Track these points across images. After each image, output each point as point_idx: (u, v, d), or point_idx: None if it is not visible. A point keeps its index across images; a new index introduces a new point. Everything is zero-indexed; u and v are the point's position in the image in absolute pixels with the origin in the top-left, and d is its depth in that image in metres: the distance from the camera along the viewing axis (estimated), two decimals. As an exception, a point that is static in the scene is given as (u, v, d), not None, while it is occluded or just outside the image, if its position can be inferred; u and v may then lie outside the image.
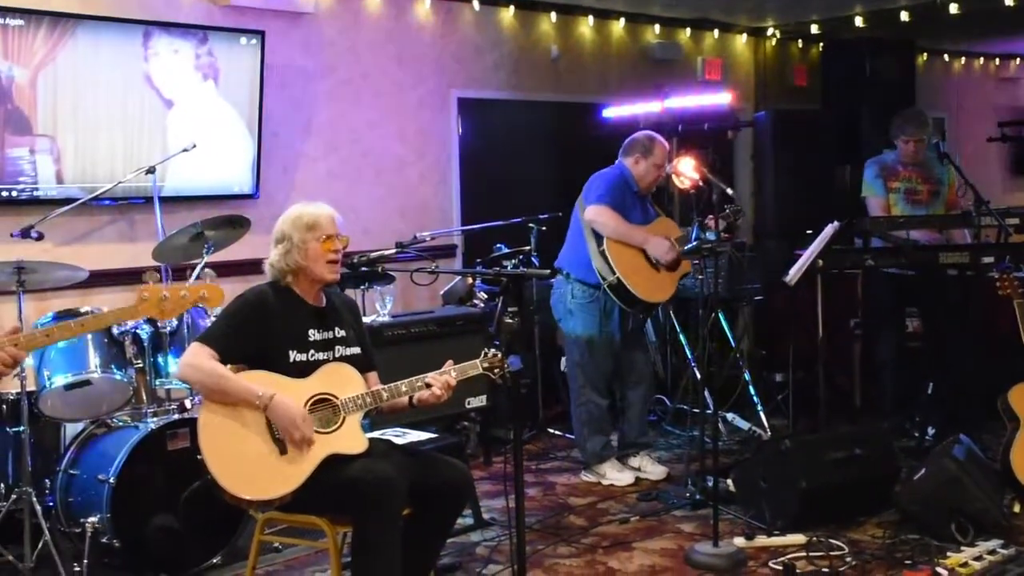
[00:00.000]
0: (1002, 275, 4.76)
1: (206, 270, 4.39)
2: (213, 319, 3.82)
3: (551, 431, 6.08)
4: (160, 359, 4.26)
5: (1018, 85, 11.30)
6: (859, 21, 8.00)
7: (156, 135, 5.32)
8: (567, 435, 5.97)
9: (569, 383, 5.24)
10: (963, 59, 10.56)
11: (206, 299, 2.97)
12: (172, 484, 3.87)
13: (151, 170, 4.88)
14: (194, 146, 5.06)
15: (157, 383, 4.27)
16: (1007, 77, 11.16)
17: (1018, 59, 11.16)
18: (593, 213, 4.91)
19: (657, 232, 5.01)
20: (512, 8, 7.06)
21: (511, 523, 3.22)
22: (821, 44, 9.00)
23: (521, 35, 7.19)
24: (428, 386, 3.26)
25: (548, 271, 3.85)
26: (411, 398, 3.30)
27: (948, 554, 3.87)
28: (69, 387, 4.06)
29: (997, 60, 10.96)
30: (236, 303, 3.25)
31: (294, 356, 3.20)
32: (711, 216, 4.84)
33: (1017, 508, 4.30)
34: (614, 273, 4.85)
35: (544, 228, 6.04)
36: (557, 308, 5.16)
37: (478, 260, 6.04)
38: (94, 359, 4.11)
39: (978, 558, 3.82)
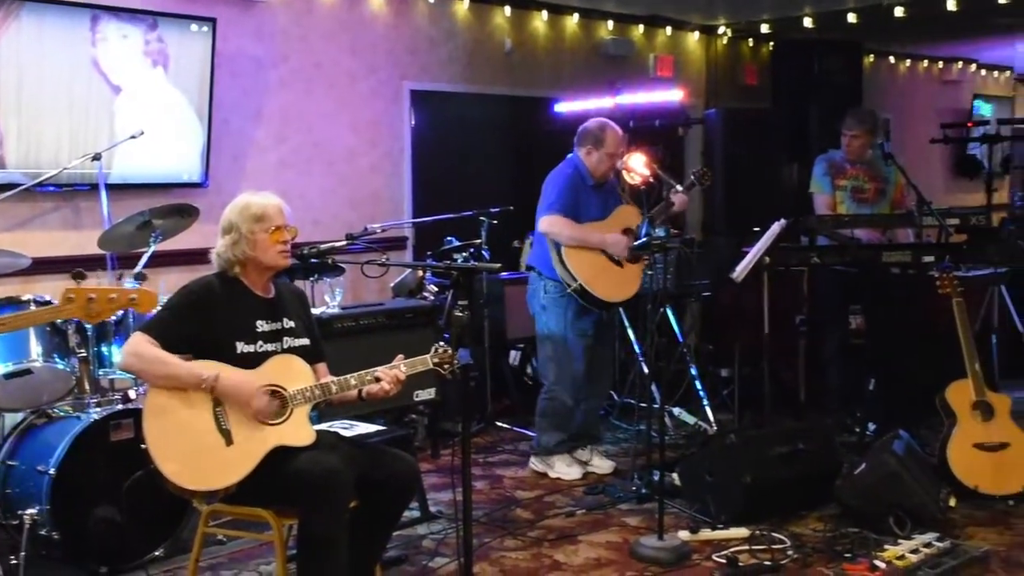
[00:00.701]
0: (942, 274, 4.87)
1: (142, 271, 4.31)
2: (159, 309, 3.77)
3: (499, 424, 6.09)
4: (104, 348, 4.19)
5: (960, 88, 11.53)
6: (808, 22, 8.12)
7: (103, 121, 5.23)
8: (515, 428, 6.00)
9: (541, 377, 5.27)
10: (908, 61, 10.76)
11: (136, 303, 2.92)
12: (115, 475, 3.81)
13: (97, 156, 4.81)
14: (142, 133, 5.00)
15: (101, 373, 4.21)
16: (950, 80, 11.39)
17: (960, 62, 11.39)
18: (546, 225, 4.91)
19: (617, 223, 5.00)
20: (466, 1, 7.05)
21: (458, 516, 3.22)
22: (771, 44, 9.11)
23: (475, 28, 7.18)
24: (378, 380, 3.25)
25: (498, 265, 3.84)
26: (360, 391, 3.29)
27: (886, 547, 3.94)
28: (9, 376, 3.97)
29: (941, 63, 11.17)
30: (181, 293, 3.22)
31: (241, 347, 3.17)
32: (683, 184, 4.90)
33: (953, 502, 4.38)
34: (576, 280, 4.85)
35: (495, 221, 6.05)
36: (532, 304, 5.18)
37: (429, 252, 6.04)
38: (36, 348, 4.03)
39: (915, 551, 3.90)
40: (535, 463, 5.22)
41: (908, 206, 5.84)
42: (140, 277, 4.23)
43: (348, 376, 3.26)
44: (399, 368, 3.27)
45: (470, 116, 7.29)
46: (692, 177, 5.12)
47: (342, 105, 6.45)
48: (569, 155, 5.15)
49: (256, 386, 3.09)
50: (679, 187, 4.91)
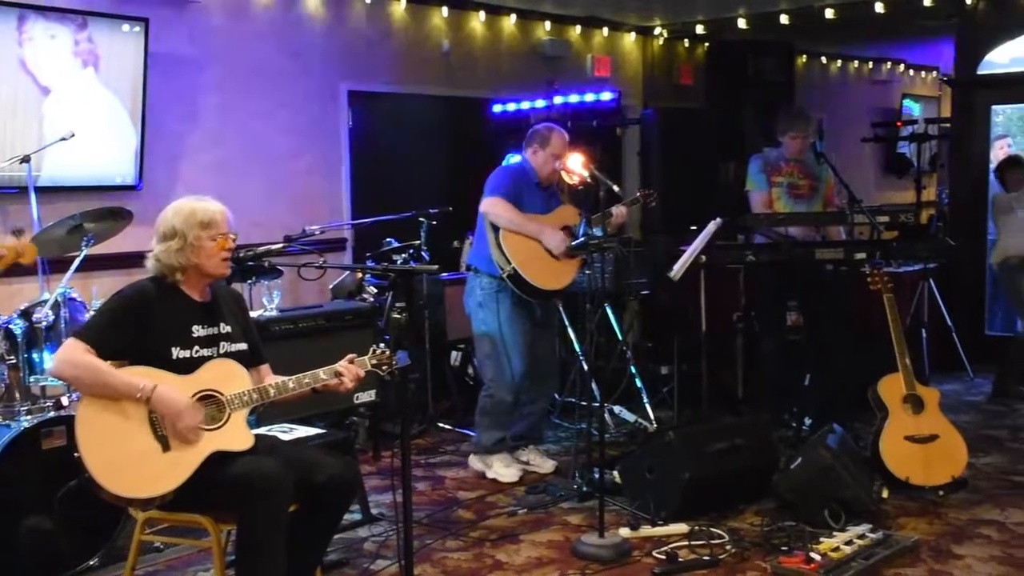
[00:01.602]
0: (873, 271, 4.98)
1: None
2: (92, 314, 3.71)
3: (441, 425, 6.09)
4: (35, 355, 4.11)
5: (889, 87, 11.79)
6: (742, 23, 8.24)
7: (32, 122, 5.12)
8: (457, 429, 6.00)
9: (480, 375, 5.26)
10: (839, 62, 10.97)
11: (20, 258, 2.85)
12: (47, 484, 3.73)
13: (26, 159, 4.70)
14: (72, 135, 4.90)
15: (31, 380, 4.12)
16: (879, 80, 11.63)
17: (889, 63, 11.64)
18: (487, 205, 4.96)
19: (557, 220, 5.04)
20: (403, 2, 7.03)
21: (399, 518, 3.22)
22: (706, 44, 9.23)
23: (412, 29, 7.16)
24: (337, 375, 3.24)
25: (435, 267, 3.84)
26: (316, 387, 3.27)
27: (821, 539, 4.00)
28: (-64, 384, 3.89)
29: (870, 63, 11.41)
30: (115, 298, 3.16)
31: (177, 353, 3.13)
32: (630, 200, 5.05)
33: (886, 493, 4.48)
34: (510, 263, 4.88)
35: (434, 222, 6.04)
36: (468, 303, 5.17)
37: (368, 254, 6.01)
38: (-37, 355, 3.95)
39: (849, 542, 3.97)
40: (474, 461, 5.23)
41: (838, 204, 5.96)
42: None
43: (287, 379, 3.24)
44: (358, 367, 3.26)
45: (408, 117, 7.27)
46: (637, 195, 5.27)
47: (279, 106, 6.39)
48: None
49: (189, 403, 3.04)
50: (623, 200, 5.01)
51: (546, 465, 5.24)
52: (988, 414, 6.35)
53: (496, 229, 4.94)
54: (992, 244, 7.23)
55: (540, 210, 5.06)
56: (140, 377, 3.02)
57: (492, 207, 4.95)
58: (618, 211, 5.09)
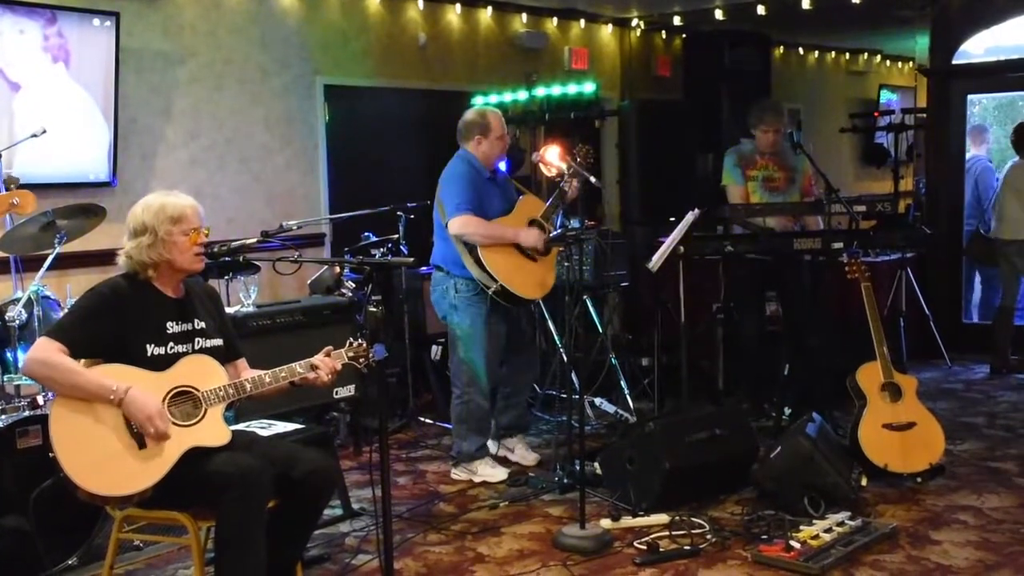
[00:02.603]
0: (851, 260, 5.00)
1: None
2: (64, 313, 3.67)
3: (422, 419, 6.08)
4: (8, 354, 4.07)
5: (866, 78, 11.83)
6: (719, 14, 8.24)
7: (2, 119, 5.07)
8: (438, 423, 5.99)
9: (453, 379, 5.13)
10: (816, 53, 11.00)
11: (18, 207, 2.81)
12: (22, 484, 3.69)
13: (-4, 156, 4.66)
14: (44, 131, 4.84)
15: (5, 379, 4.08)
16: (856, 71, 11.67)
17: (866, 53, 11.68)
18: (459, 226, 4.79)
19: (523, 215, 4.98)
20: (379, -6, 7.01)
21: (378, 513, 3.21)
22: (683, 36, 9.23)
23: (388, 22, 7.13)
24: (314, 368, 3.22)
25: (412, 259, 3.81)
26: (294, 380, 3.25)
27: (801, 528, 4.02)
28: (-91, 384, 3.85)
29: (847, 54, 11.45)
30: (88, 296, 3.13)
31: (152, 349, 3.11)
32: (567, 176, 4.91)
33: (864, 481, 4.51)
34: (496, 281, 4.79)
35: (412, 216, 6.03)
36: (440, 305, 5.03)
37: (347, 249, 5.99)
38: (-64, 355, 3.91)
39: (828, 530, 4.00)
40: (459, 473, 5.06)
41: (816, 194, 5.98)
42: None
43: (263, 373, 3.23)
44: (334, 360, 3.25)
45: (385, 111, 7.24)
46: (573, 158, 4.99)
47: (254, 101, 6.35)
48: (458, 152, 5.07)
49: (160, 409, 3.01)
50: (602, 190, 4.93)
51: (531, 459, 5.23)
52: (965, 401, 6.40)
53: (472, 247, 4.82)
54: (993, 219, 7.19)
55: (502, 207, 4.97)
56: (112, 379, 2.99)
57: (464, 227, 4.78)
58: (569, 185, 4.95)
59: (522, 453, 5.26)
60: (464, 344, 4.96)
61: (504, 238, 4.87)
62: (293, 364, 3.24)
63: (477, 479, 5.02)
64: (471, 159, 5.00)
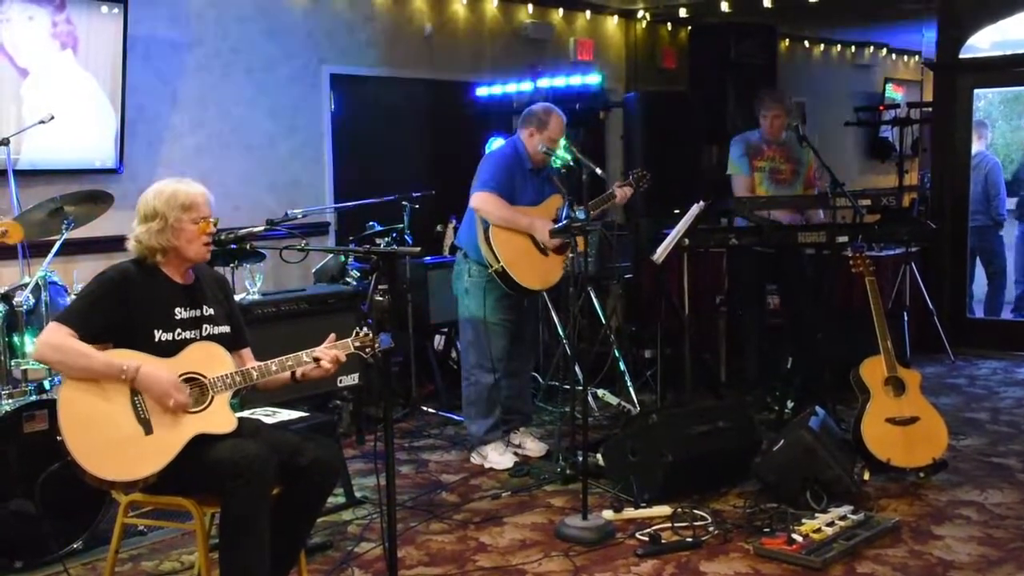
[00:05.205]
0: (855, 254, 5.00)
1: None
2: (73, 298, 3.69)
3: (424, 409, 6.09)
4: (16, 339, 4.08)
5: (872, 72, 11.81)
6: (725, 6, 8.22)
7: (10, 105, 5.08)
8: (440, 413, 6.00)
9: (462, 361, 5.20)
10: (822, 46, 10.98)
11: (5, 236, 2.82)
12: (29, 468, 3.71)
13: (4, 142, 4.66)
14: (52, 118, 4.84)
15: (13, 364, 4.09)
16: (862, 64, 11.66)
17: (872, 47, 11.66)
18: (478, 200, 4.83)
19: (548, 210, 4.98)
20: (385, -16, 7.01)
21: (382, 501, 3.22)
22: (689, 27, 9.21)
23: (394, 11, 7.13)
24: (316, 360, 3.23)
25: (417, 249, 3.82)
26: (295, 372, 3.26)
27: (803, 521, 4.04)
28: (-84, 369, 3.86)
29: (853, 47, 11.43)
30: (96, 281, 3.14)
31: (159, 335, 3.12)
32: (622, 183, 5.07)
33: (867, 475, 4.51)
34: (499, 261, 4.80)
35: (417, 206, 6.03)
36: (456, 286, 5.10)
37: (351, 237, 6.00)
38: (-56, 339, 3.92)
39: (830, 524, 4.01)
40: (474, 457, 5.14)
41: (820, 187, 5.98)
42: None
43: (270, 362, 3.23)
44: (338, 349, 3.26)
45: (391, 100, 7.24)
46: (631, 176, 5.25)
47: (260, 90, 6.35)
48: (512, 136, 5.11)
49: (176, 381, 3.03)
50: (606, 184, 4.99)
51: (538, 449, 5.25)
52: (969, 396, 6.40)
53: (485, 224, 4.85)
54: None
55: (532, 200, 4.97)
56: (123, 359, 3.01)
57: (483, 203, 4.82)
58: (620, 192, 5.09)
59: (530, 444, 5.28)
60: (472, 327, 5.01)
61: (518, 224, 4.86)
62: (300, 353, 3.25)
63: (487, 464, 5.06)
64: (519, 147, 5.01)
